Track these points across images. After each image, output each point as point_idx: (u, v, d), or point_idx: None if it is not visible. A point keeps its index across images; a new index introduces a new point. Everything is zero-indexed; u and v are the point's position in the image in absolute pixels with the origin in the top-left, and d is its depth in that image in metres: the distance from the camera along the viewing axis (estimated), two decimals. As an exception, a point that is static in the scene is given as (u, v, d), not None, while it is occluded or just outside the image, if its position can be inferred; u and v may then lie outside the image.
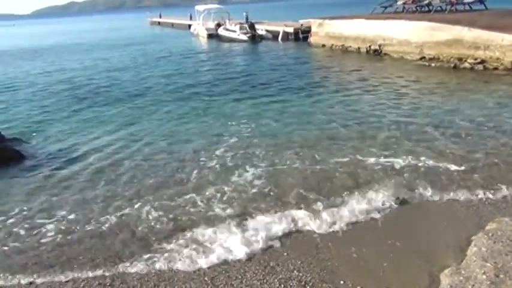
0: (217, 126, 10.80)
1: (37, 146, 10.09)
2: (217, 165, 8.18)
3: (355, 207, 6.28)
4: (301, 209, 6.31)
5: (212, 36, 36.14)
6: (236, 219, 6.15)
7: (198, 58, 24.97)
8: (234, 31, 33.27)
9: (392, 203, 6.35)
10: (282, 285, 4.74)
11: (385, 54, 20.17)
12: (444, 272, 4.65)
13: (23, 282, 5.11)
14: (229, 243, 5.53)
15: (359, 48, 21.92)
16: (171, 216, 6.33)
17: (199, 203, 6.70)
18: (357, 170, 7.58)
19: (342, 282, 4.73)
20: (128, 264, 5.27)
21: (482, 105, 11.01)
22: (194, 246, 5.55)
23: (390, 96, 12.84)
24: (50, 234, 6.09)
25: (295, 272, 4.97)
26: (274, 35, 31.82)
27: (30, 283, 5.08)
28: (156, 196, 7.03)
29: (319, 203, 6.44)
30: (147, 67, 22.10)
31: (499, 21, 16.76)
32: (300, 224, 5.91)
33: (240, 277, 4.94)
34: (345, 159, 8.05)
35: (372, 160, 7.92)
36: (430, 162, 7.64)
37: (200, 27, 38.77)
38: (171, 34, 47.32)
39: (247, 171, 7.76)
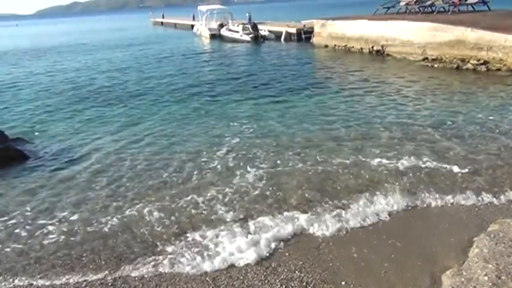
0: (219, 126, 10.80)
1: (40, 145, 10.12)
2: (218, 166, 8.18)
3: (358, 209, 6.27)
4: (303, 210, 6.31)
5: (215, 36, 36.16)
6: (238, 220, 6.15)
7: (200, 58, 25.01)
8: (237, 31, 33.29)
9: (395, 205, 6.35)
10: (284, 286, 4.74)
11: (388, 54, 20.15)
12: (446, 273, 4.65)
13: (24, 283, 5.11)
14: (231, 245, 5.53)
15: (362, 48, 21.91)
16: (172, 217, 6.33)
17: (201, 204, 6.70)
18: (359, 171, 7.57)
19: (343, 283, 4.73)
20: (130, 265, 5.27)
21: (485, 107, 10.98)
22: (196, 247, 5.55)
23: (393, 97, 12.82)
24: (51, 235, 6.09)
25: (296, 272, 4.97)
26: (277, 36, 31.85)
27: (32, 285, 5.08)
28: (157, 197, 7.04)
29: (321, 205, 6.44)
30: (149, 67, 22.14)
31: (502, 22, 16.72)
32: (301, 225, 5.90)
33: (241, 277, 4.95)
34: (348, 161, 8.04)
35: (375, 161, 7.91)
36: (433, 164, 7.63)
37: (203, 28, 38.81)
38: (174, 34, 47.40)
39: (249, 172, 7.76)
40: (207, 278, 4.98)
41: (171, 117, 12.08)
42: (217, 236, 5.76)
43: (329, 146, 8.90)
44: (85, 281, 5.06)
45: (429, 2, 23.43)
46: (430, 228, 5.73)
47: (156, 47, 32.41)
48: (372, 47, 21.08)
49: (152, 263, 5.28)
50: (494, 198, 6.36)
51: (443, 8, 22.86)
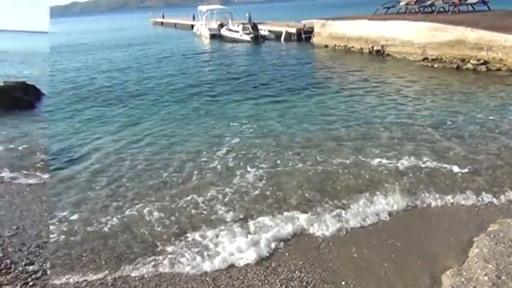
0: (219, 126, 10.80)
1: (40, 146, 10.11)
2: (218, 166, 8.18)
3: (358, 208, 6.28)
4: (303, 210, 6.31)
5: (215, 36, 36.17)
6: (238, 220, 6.15)
7: (200, 58, 25.01)
8: (237, 31, 33.29)
9: (395, 205, 6.35)
10: (284, 286, 4.74)
11: (388, 54, 20.14)
12: (446, 273, 4.65)
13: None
14: (231, 245, 5.53)
15: (362, 48, 21.90)
16: (172, 217, 6.33)
17: (201, 204, 6.70)
18: (359, 171, 7.57)
19: (343, 283, 4.73)
20: (130, 265, 5.27)
21: (485, 107, 10.98)
22: (196, 247, 5.55)
23: (393, 97, 12.82)
24: (51, 235, 6.08)
25: (296, 272, 4.97)
26: (277, 36, 31.82)
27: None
28: (157, 197, 7.04)
29: (321, 205, 6.44)
30: (149, 67, 22.14)
31: (502, 22, 16.71)
32: (301, 225, 5.91)
33: (241, 277, 4.95)
34: (348, 161, 8.04)
35: (375, 161, 7.91)
36: (433, 164, 7.63)
37: (203, 28, 38.81)
38: (174, 34, 47.38)
39: (249, 172, 7.76)
40: (207, 278, 4.98)
41: (171, 117, 12.08)
42: (217, 236, 5.76)
43: (329, 146, 8.90)
44: (85, 281, 5.06)
45: (429, 2, 23.42)
46: (430, 228, 5.74)
47: (156, 47, 32.38)
48: (372, 47, 21.08)
49: (152, 263, 5.27)
50: (494, 198, 6.37)
51: (443, 8, 22.85)
